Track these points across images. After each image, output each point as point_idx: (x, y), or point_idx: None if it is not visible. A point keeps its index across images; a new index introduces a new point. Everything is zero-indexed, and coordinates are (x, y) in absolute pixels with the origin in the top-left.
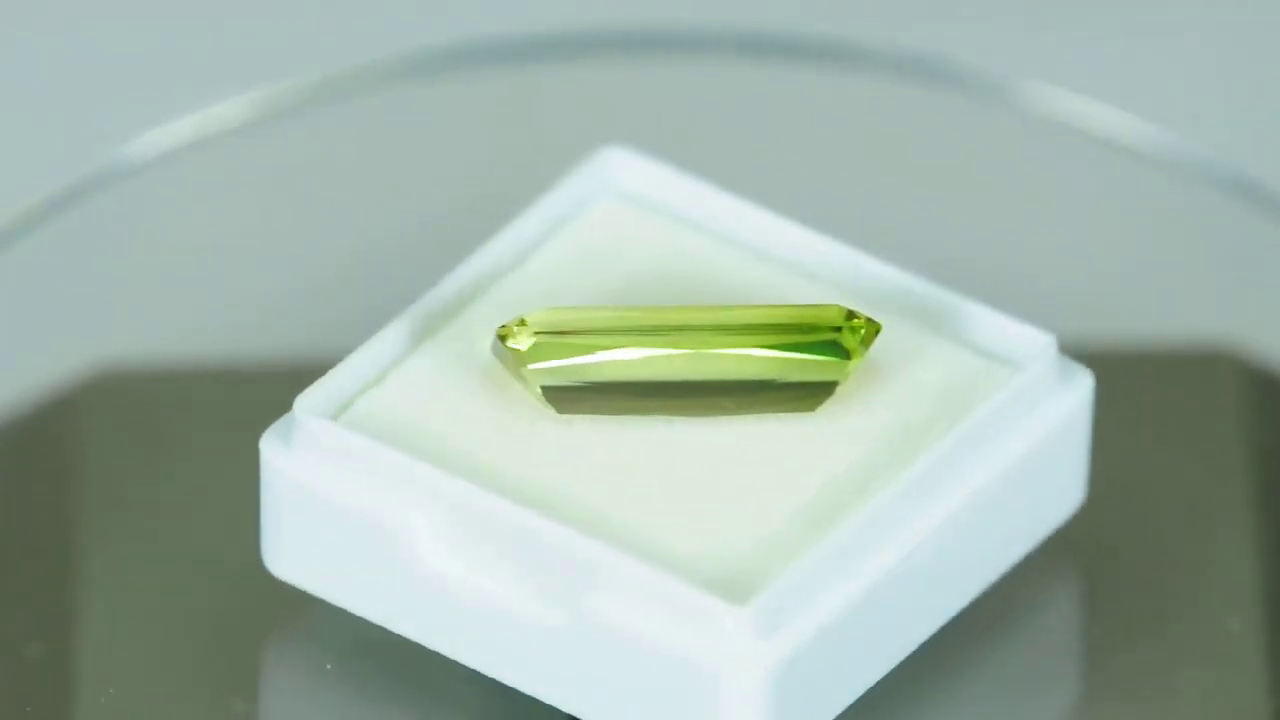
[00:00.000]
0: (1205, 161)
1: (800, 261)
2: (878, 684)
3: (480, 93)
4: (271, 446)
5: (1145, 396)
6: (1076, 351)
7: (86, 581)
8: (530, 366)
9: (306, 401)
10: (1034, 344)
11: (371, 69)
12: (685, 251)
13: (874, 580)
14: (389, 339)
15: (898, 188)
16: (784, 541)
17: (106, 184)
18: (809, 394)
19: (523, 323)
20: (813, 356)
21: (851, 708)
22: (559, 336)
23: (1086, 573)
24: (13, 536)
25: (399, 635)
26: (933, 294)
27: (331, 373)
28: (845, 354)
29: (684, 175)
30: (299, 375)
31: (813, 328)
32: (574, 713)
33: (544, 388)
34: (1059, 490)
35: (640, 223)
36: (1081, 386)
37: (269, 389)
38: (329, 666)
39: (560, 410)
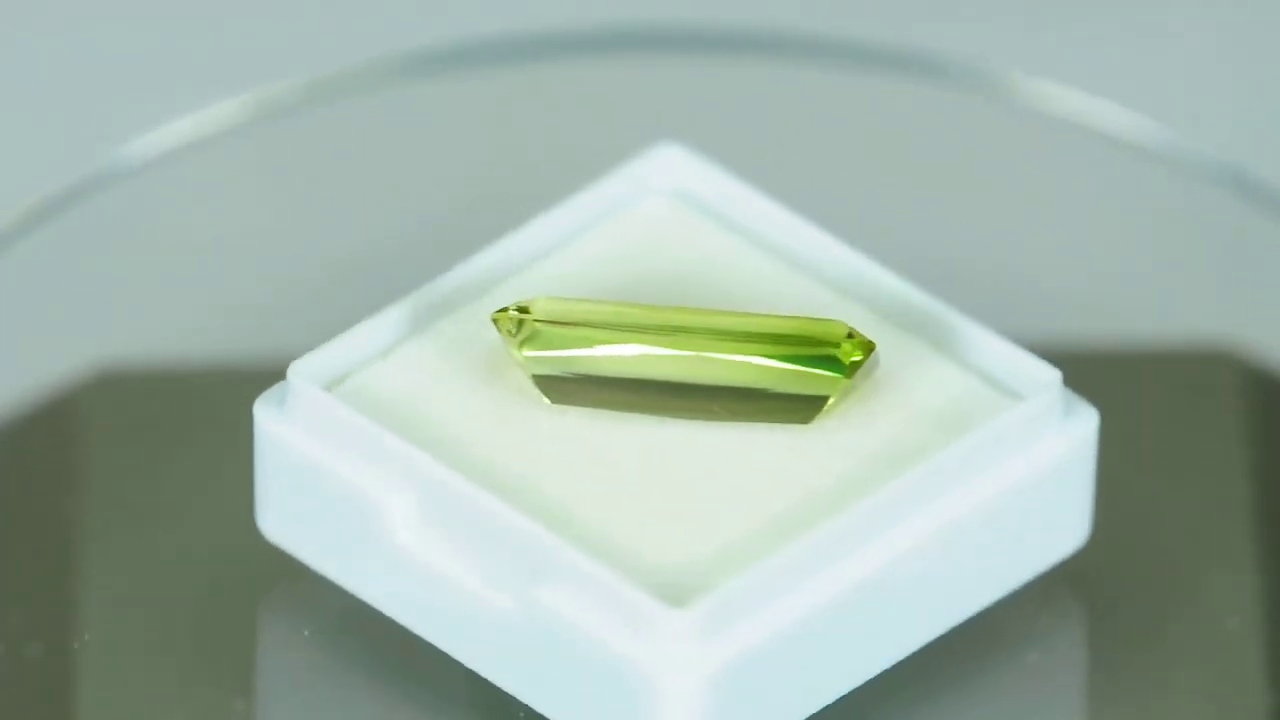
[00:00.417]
0: (1206, 160)
1: (833, 275)
2: (867, 704)
3: (480, 92)
4: (265, 410)
5: (1145, 396)
6: (1076, 351)
7: (86, 581)
8: (526, 353)
9: (301, 368)
10: (1039, 377)
11: (370, 68)
12: (721, 255)
13: (831, 596)
14: (397, 317)
15: (896, 185)
16: (746, 551)
17: (106, 184)
18: (802, 406)
19: (523, 309)
20: (806, 369)
21: None
22: (558, 326)
23: (1086, 571)
24: (13, 536)
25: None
26: (950, 318)
27: (331, 342)
28: (840, 370)
29: (733, 178)
30: None
31: (811, 341)
32: (523, 700)
33: (536, 376)
34: (1057, 527)
35: (683, 222)
36: (1086, 424)
37: (268, 389)
38: (306, 633)
39: (553, 400)
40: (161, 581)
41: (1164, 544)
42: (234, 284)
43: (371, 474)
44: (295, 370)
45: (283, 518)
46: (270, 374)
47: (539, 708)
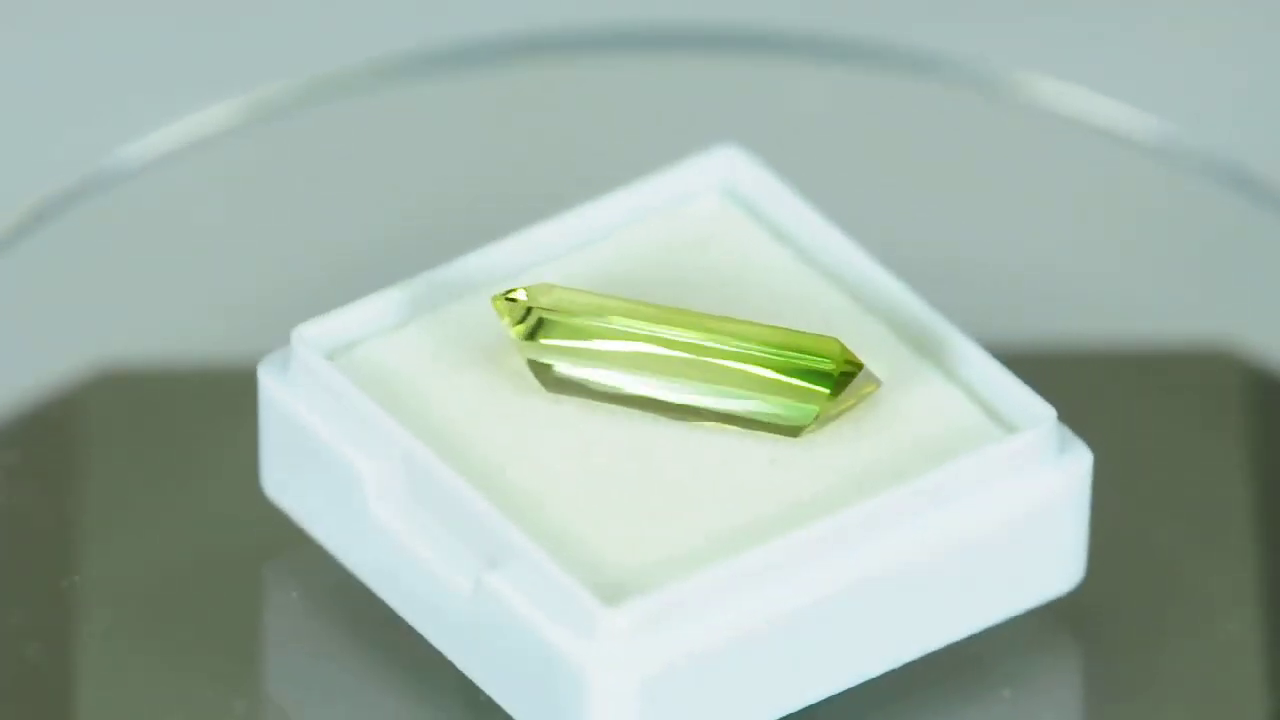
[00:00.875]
0: (1207, 159)
1: (862, 291)
2: None
3: (480, 93)
4: (267, 373)
5: (1145, 396)
6: (1076, 350)
7: (86, 581)
8: (523, 340)
9: (305, 333)
10: (1033, 412)
11: (370, 68)
12: (759, 260)
13: (780, 611)
14: (412, 294)
15: (895, 184)
16: (702, 557)
17: (106, 185)
18: (786, 419)
19: (527, 294)
20: (793, 382)
21: None
22: (558, 315)
23: (1086, 571)
24: (13, 536)
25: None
26: (963, 346)
27: (339, 311)
28: (827, 386)
29: (786, 186)
30: None
31: (801, 354)
32: (474, 680)
33: (532, 363)
34: (1045, 566)
35: (729, 224)
36: (1079, 463)
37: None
38: (294, 594)
39: (548, 388)
40: (161, 581)
41: (1164, 545)
42: (234, 284)
43: (356, 444)
44: (298, 335)
45: (281, 479)
46: None
47: (488, 690)
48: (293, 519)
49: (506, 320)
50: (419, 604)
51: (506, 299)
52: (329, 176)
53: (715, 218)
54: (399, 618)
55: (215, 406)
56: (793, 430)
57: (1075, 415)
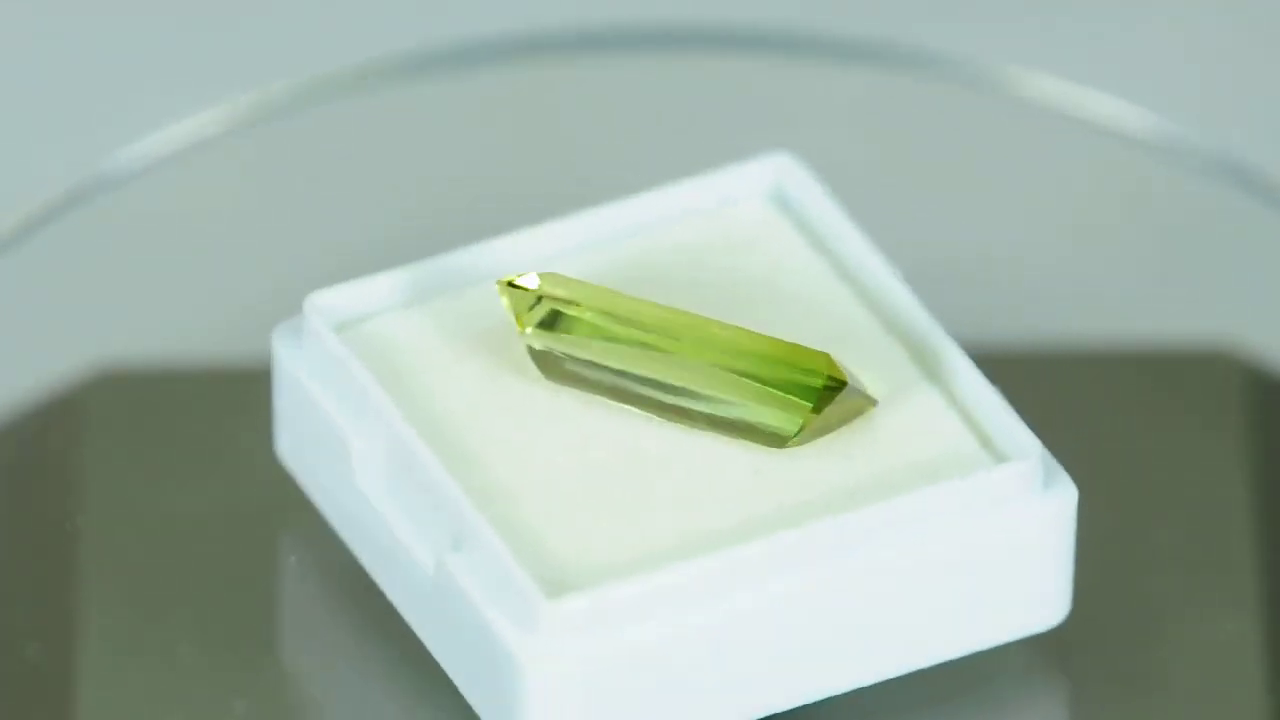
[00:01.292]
0: (1208, 158)
1: (886, 311)
2: None
3: (480, 92)
4: (281, 339)
5: (1145, 396)
6: (1076, 350)
7: (86, 581)
8: (524, 325)
9: (317, 301)
10: (1019, 444)
11: (369, 69)
12: (790, 270)
13: (732, 619)
14: (431, 271)
15: (893, 183)
16: (662, 559)
17: (107, 186)
18: (774, 430)
19: (532, 281)
20: (776, 393)
21: None
22: (560, 304)
23: (1084, 571)
24: (13, 536)
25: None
26: (965, 371)
27: (354, 282)
28: (809, 400)
29: (832, 197)
30: None
31: (788, 367)
32: (437, 659)
33: (531, 349)
34: (1024, 600)
35: (770, 230)
36: (1063, 499)
37: (268, 389)
38: (293, 558)
39: (547, 375)
40: (161, 581)
41: (1164, 545)
42: (234, 284)
43: (349, 415)
44: (311, 302)
45: (289, 444)
46: (270, 374)
47: (444, 667)
48: (298, 483)
49: (508, 305)
50: (393, 577)
51: (511, 285)
52: (330, 177)
53: (758, 223)
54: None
55: (215, 406)
56: (778, 440)
57: (1075, 415)
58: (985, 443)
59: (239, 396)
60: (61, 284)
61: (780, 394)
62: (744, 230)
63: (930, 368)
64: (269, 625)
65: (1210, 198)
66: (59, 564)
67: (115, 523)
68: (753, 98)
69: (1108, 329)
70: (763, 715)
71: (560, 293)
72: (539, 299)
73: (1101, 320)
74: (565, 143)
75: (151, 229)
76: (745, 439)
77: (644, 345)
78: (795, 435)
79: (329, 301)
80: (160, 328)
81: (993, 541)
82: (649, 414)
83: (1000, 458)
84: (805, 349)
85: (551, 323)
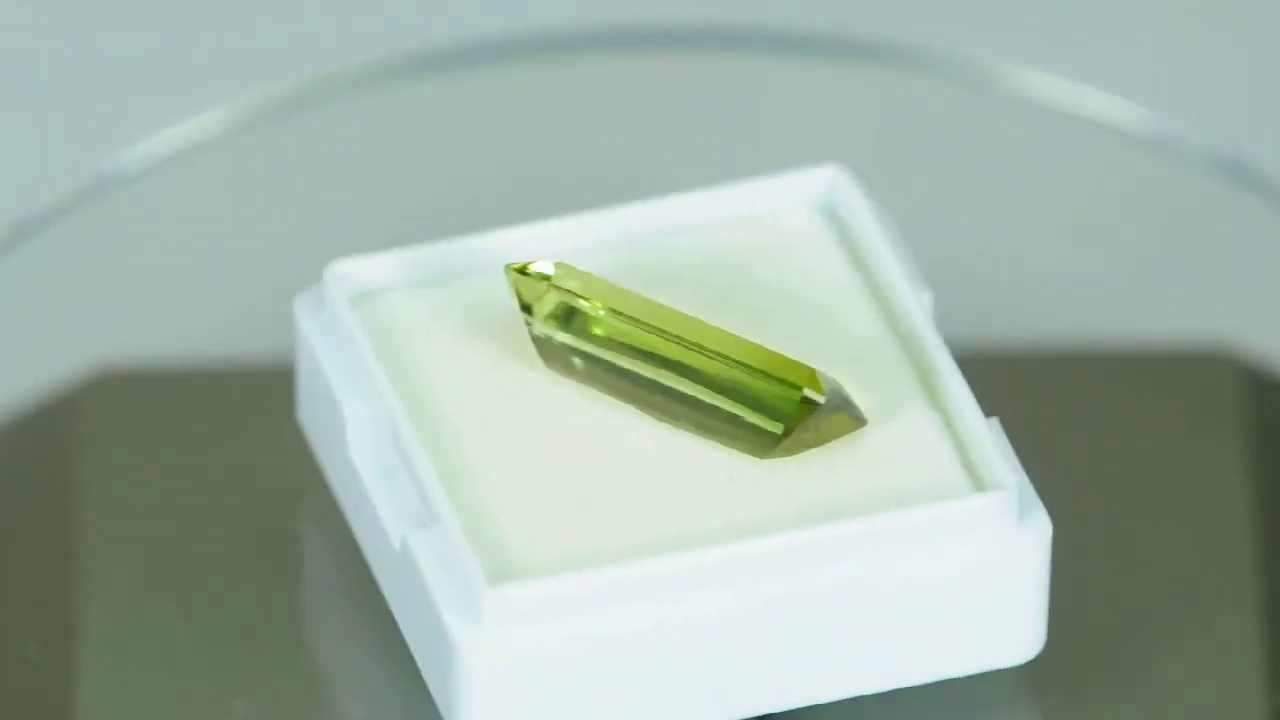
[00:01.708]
0: (1208, 157)
1: (907, 335)
2: None
3: (479, 93)
4: (303, 306)
5: (1145, 396)
6: (1075, 350)
7: (86, 581)
8: (529, 312)
9: (336, 269)
10: (997, 476)
11: (368, 70)
12: (823, 282)
13: (678, 623)
14: (453, 254)
15: (891, 182)
16: (613, 557)
17: (107, 187)
18: (755, 439)
19: (544, 268)
20: (758, 404)
21: None
22: (563, 294)
23: (1084, 570)
24: (13, 536)
25: None
26: (962, 401)
27: (377, 254)
28: (788, 413)
29: (878, 214)
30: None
31: (770, 380)
32: (402, 631)
33: (533, 335)
34: (993, 634)
35: (813, 242)
36: (1036, 533)
37: (268, 389)
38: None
39: (546, 362)
40: (161, 582)
41: (1164, 544)
42: (234, 284)
43: (349, 386)
44: (331, 271)
45: (305, 409)
46: (269, 374)
47: (411, 649)
48: (311, 447)
49: (514, 290)
50: (373, 552)
51: (520, 271)
52: (327, 177)
53: (802, 232)
54: None
55: (215, 406)
56: (759, 450)
57: (1075, 415)
58: (971, 473)
59: (239, 396)
60: (61, 284)
61: (761, 403)
62: (786, 239)
63: (934, 393)
64: (269, 625)
65: (1210, 197)
66: (59, 564)
67: (115, 523)
68: (752, 97)
69: (1107, 329)
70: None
71: (568, 283)
72: (547, 287)
73: (1100, 320)
74: (565, 144)
75: (151, 229)
76: (730, 445)
77: (640, 342)
78: (776, 446)
79: (349, 271)
80: (160, 328)
81: (957, 571)
82: (641, 411)
83: (981, 489)
84: (794, 362)
85: (555, 312)
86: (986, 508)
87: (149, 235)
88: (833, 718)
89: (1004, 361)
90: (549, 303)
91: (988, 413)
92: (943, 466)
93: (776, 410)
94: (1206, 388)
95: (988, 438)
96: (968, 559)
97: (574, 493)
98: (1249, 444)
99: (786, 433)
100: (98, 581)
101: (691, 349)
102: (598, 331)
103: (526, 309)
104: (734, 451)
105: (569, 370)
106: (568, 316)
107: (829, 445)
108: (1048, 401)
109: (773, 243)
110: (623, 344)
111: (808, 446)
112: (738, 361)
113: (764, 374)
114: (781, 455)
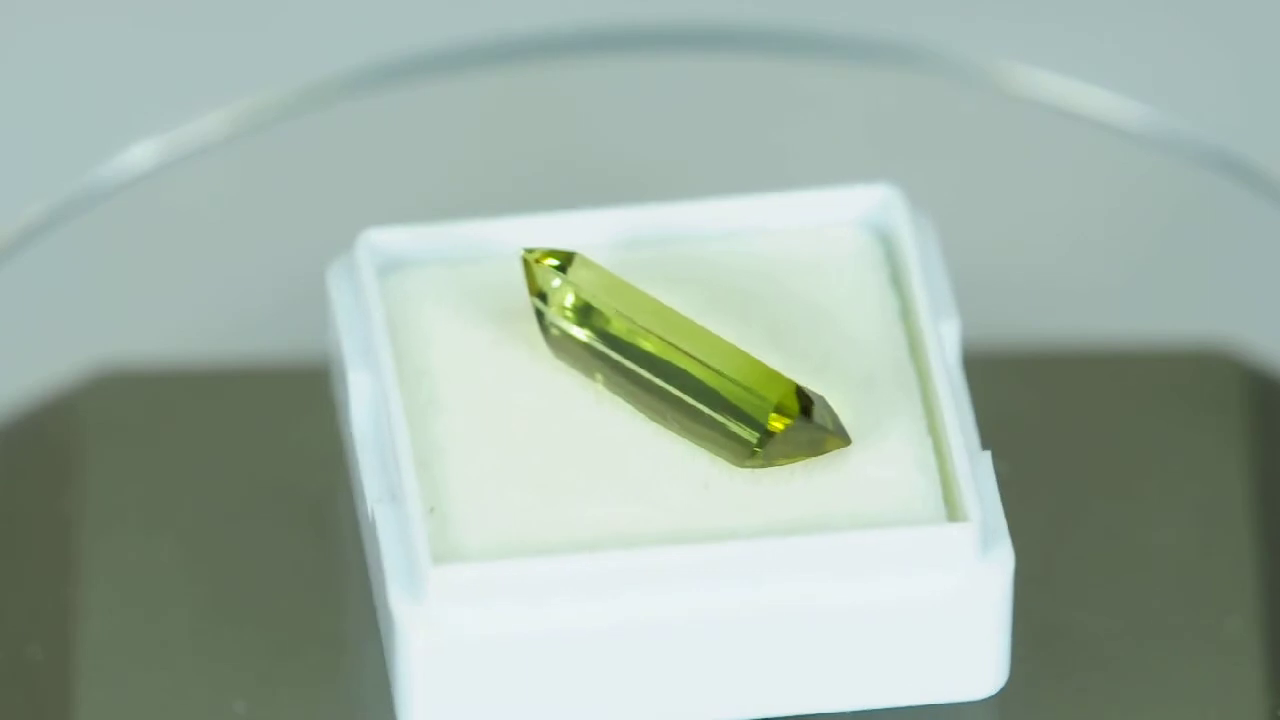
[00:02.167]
0: (1208, 156)
1: (919, 358)
2: None
3: (480, 94)
4: (335, 274)
5: (1145, 396)
6: (1075, 350)
7: (86, 581)
8: (534, 296)
9: (370, 237)
10: (966, 509)
11: (368, 72)
12: (853, 298)
13: (619, 620)
14: (489, 235)
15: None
16: (566, 547)
17: (107, 188)
18: (736, 446)
19: (559, 256)
20: (733, 412)
21: None
22: (573, 286)
23: (1083, 570)
24: (13, 536)
25: None
26: (953, 428)
27: (412, 227)
28: (759, 423)
29: (920, 236)
30: (298, 376)
31: (749, 392)
32: (374, 597)
33: (540, 321)
34: (949, 666)
35: (854, 259)
36: (998, 567)
37: (268, 389)
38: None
39: (551, 349)
40: (161, 581)
41: (1164, 544)
42: (234, 284)
43: (359, 358)
44: (364, 238)
45: (335, 381)
46: (269, 374)
47: (378, 615)
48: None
49: (525, 274)
50: (359, 514)
51: (534, 255)
52: (326, 178)
53: (844, 248)
54: None
55: (214, 406)
56: (735, 458)
57: (1074, 415)
58: (951, 506)
59: (239, 396)
60: (62, 284)
61: (739, 412)
62: (827, 253)
63: (933, 423)
64: (269, 625)
65: (1210, 196)
66: (59, 564)
67: (115, 522)
68: (752, 97)
69: (1106, 328)
70: None
71: (578, 275)
72: (556, 275)
73: (1100, 319)
74: (567, 143)
75: (151, 231)
76: (713, 451)
77: (636, 340)
78: (751, 455)
79: (380, 241)
80: (160, 328)
81: (911, 599)
82: (636, 409)
83: (954, 519)
84: (777, 375)
85: (563, 302)
86: (943, 538)
87: (149, 236)
88: None
89: (1004, 361)
90: (558, 292)
91: (989, 412)
92: (921, 496)
93: (752, 419)
94: (1206, 387)
95: (967, 469)
96: (922, 588)
97: (544, 483)
98: (1249, 444)
99: (761, 443)
100: (98, 581)
101: (681, 352)
102: (601, 326)
103: (537, 295)
104: (717, 458)
105: (573, 361)
106: (576, 308)
107: (812, 463)
108: (1047, 401)
109: (813, 256)
110: (621, 340)
111: (789, 461)
112: (719, 369)
113: (740, 383)
114: (760, 466)
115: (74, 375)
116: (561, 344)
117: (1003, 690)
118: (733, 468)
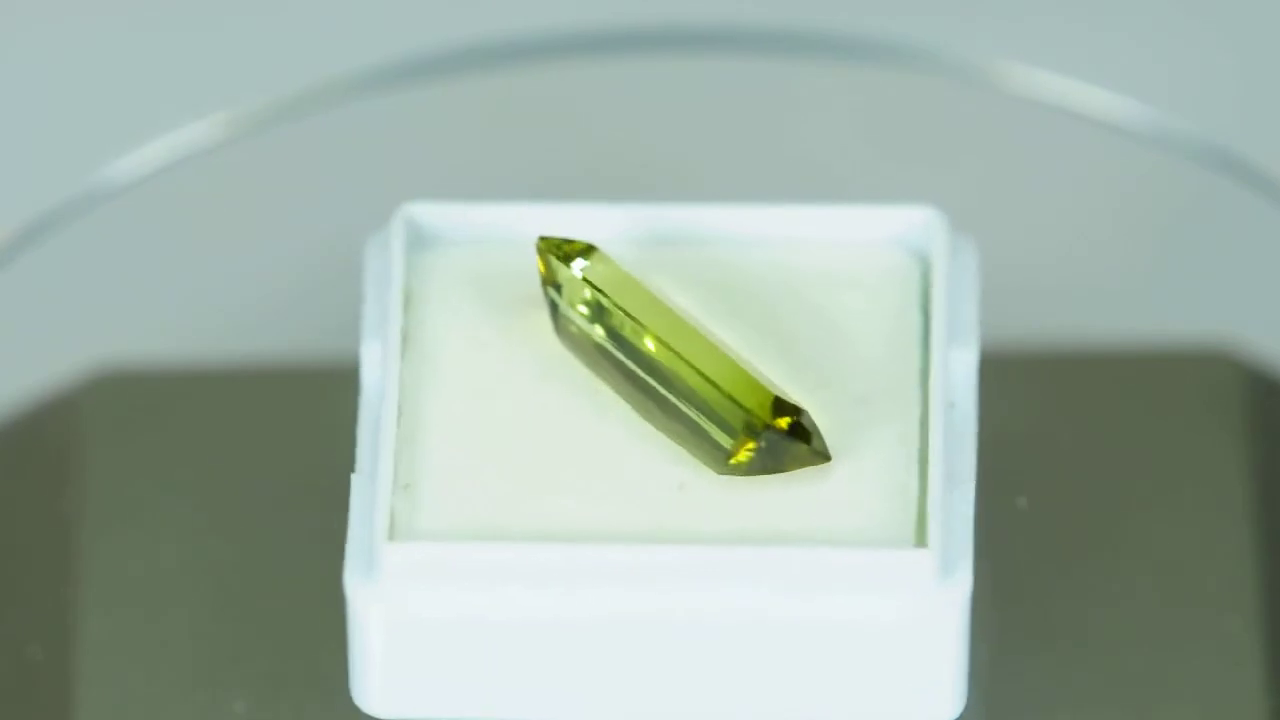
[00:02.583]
0: (1208, 156)
1: (927, 384)
2: None
3: (479, 95)
4: (373, 245)
5: (1145, 396)
6: (1076, 350)
7: (86, 581)
8: (546, 283)
9: (408, 211)
10: (930, 533)
11: (367, 73)
12: (881, 319)
13: (569, 613)
14: (531, 219)
15: (889, 181)
16: (525, 535)
17: (107, 189)
18: (713, 451)
19: (571, 246)
20: (712, 417)
21: None
22: (583, 278)
23: (1083, 570)
24: (13, 536)
25: None
26: (937, 452)
27: (455, 204)
28: (735, 430)
29: (953, 260)
30: (298, 376)
31: (730, 400)
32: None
33: (548, 300)
34: (901, 690)
35: (891, 280)
36: (950, 595)
37: (268, 389)
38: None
39: (560, 337)
40: (161, 581)
41: (1164, 544)
42: (233, 286)
43: (374, 324)
44: (404, 210)
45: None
46: (269, 374)
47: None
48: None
49: (540, 263)
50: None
51: (551, 243)
52: (325, 180)
53: (877, 266)
54: None
55: (214, 406)
56: (712, 463)
57: (1074, 414)
58: (919, 531)
59: (239, 396)
60: (61, 285)
61: (717, 416)
62: (859, 270)
63: (923, 449)
64: (269, 625)
65: (1211, 195)
66: (59, 564)
67: (115, 522)
68: (752, 97)
69: (1107, 328)
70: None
71: (591, 270)
72: (568, 266)
73: (1100, 319)
74: (567, 144)
75: (151, 231)
76: (694, 454)
77: (634, 337)
78: (725, 461)
79: (417, 215)
80: (160, 328)
81: (858, 621)
82: (632, 407)
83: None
84: (759, 385)
85: (573, 293)
86: (900, 562)
87: (149, 237)
88: None
89: (1004, 361)
90: (571, 284)
91: (988, 413)
92: (893, 520)
93: (728, 425)
94: (1207, 388)
95: (939, 496)
96: (875, 610)
97: (521, 472)
98: (1249, 444)
99: (735, 449)
100: (98, 581)
101: (674, 353)
102: (608, 321)
103: (551, 285)
104: (698, 462)
105: (579, 353)
106: (586, 301)
107: (790, 476)
108: (1047, 401)
109: (844, 271)
110: (624, 337)
111: (765, 471)
112: (706, 372)
113: (722, 389)
114: (736, 474)
115: (74, 375)
116: (570, 335)
117: (1001, 689)
118: (709, 474)
